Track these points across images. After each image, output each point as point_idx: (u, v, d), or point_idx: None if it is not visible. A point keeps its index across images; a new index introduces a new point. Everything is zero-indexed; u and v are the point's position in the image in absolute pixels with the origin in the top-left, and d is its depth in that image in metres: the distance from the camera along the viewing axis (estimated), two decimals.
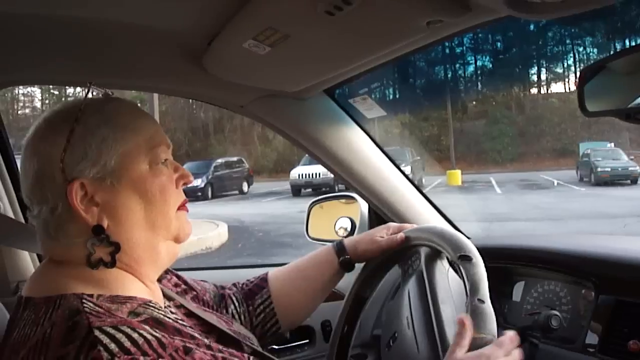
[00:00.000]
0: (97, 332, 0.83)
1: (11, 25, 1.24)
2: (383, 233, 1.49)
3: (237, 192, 26.22)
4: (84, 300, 0.89)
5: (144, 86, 2.00)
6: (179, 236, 1.08)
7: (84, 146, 0.96)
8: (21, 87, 40.02)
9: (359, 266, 1.53)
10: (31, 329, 0.88)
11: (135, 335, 0.85)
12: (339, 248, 1.49)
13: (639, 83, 1.17)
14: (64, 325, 0.85)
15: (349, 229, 2.26)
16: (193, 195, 23.08)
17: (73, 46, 1.39)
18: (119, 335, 0.83)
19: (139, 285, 1.01)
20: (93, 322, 0.84)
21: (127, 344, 0.83)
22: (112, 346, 0.82)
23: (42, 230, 0.98)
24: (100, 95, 1.08)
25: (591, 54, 39.11)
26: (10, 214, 1.79)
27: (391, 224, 1.54)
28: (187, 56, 1.45)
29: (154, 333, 0.87)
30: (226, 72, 1.52)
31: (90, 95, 1.04)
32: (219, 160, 27.07)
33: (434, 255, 1.40)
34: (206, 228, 13.34)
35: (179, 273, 1.37)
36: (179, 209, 1.07)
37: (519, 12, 1.01)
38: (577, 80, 1.23)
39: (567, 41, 41.27)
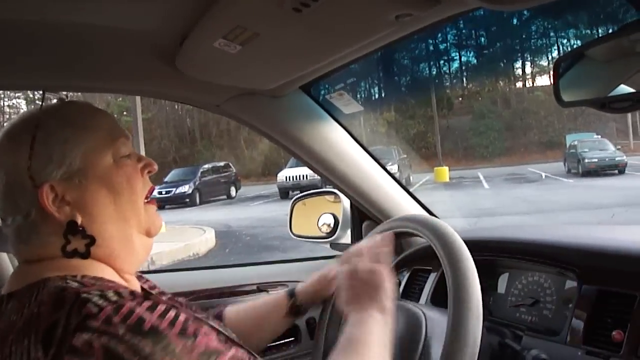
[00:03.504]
0: (85, 295, 0.84)
1: None
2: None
3: (225, 197, 26.13)
4: (68, 280, 0.90)
5: (120, 89, 1.98)
6: (150, 229, 1.10)
7: (47, 150, 0.98)
8: (6, 99, 39.97)
9: None
10: (17, 315, 0.88)
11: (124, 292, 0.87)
12: (290, 292, 1.47)
13: (617, 71, 1.16)
14: (51, 300, 0.86)
15: (332, 225, 2.26)
16: (181, 201, 23.04)
17: (44, 51, 1.37)
18: (109, 294, 0.85)
19: (117, 277, 1.02)
20: (81, 291, 0.86)
21: (115, 297, 0.85)
22: (101, 301, 0.83)
23: (14, 236, 1.00)
24: (55, 100, 1.11)
25: (575, 45, 39.18)
26: None
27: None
28: (160, 57, 1.44)
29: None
30: (199, 71, 1.51)
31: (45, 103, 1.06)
32: (206, 166, 27.07)
33: None
34: (193, 234, 13.30)
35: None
36: (148, 202, 1.09)
37: (488, 3, 1.00)
38: (552, 69, 1.22)
39: (551, 34, 41.63)
